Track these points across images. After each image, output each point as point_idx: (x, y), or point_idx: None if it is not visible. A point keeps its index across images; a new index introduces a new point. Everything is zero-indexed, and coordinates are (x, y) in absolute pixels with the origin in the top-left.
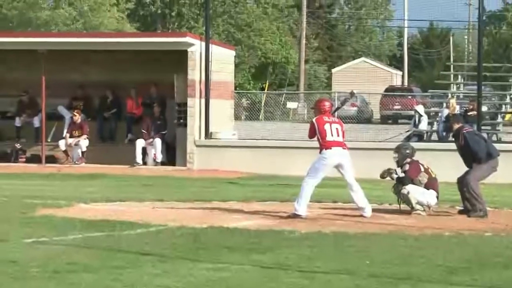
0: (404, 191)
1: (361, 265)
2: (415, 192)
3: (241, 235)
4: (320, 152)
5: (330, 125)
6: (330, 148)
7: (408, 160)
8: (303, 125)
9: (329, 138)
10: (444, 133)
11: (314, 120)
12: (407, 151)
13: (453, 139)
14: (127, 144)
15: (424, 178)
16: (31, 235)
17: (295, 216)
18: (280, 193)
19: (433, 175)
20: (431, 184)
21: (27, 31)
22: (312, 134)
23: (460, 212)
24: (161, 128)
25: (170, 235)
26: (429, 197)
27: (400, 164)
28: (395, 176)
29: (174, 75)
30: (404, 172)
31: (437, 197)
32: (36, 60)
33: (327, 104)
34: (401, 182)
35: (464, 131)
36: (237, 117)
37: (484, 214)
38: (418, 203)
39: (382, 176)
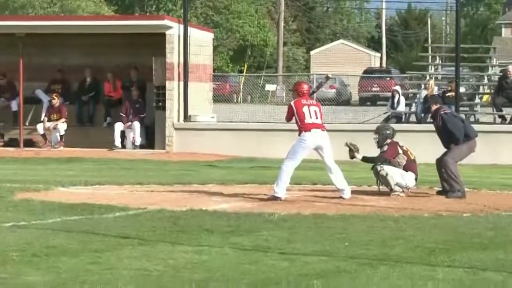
0: (383, 172)
1: (340, 246)
2: (394, 173)
3: (220, 218)
4: (299, 135)
5: (309, 108)
6: (309, 131)
7: (388, 141)
8: (282, 107)
9: (307, 120)
10: (423, 115)
11: (292, 103)
12: (387, 132)
13: (431, 120)
14: (105, 127)
15: (402, 160)
16: (10, 219)
17: (274, 198)
18: (259, 176)
19: (412, 157)
20: (409, 166)
21: (4, 14)
22: (289, 116)
23: (439, 193)
24: (140, 111)
25: (149, 218)
26: (407, 178)
27: (380, 145)
28: (357, 156)
29: (153, 58)
30: (382, 152)
31: (416, 179)
32: (14, 44)
33: (305, 87)
34: (368, 162)
35: (442, 112)
36: (216, 100)
37: (462, 194)
38: (397, 184)
39: (348, 146)
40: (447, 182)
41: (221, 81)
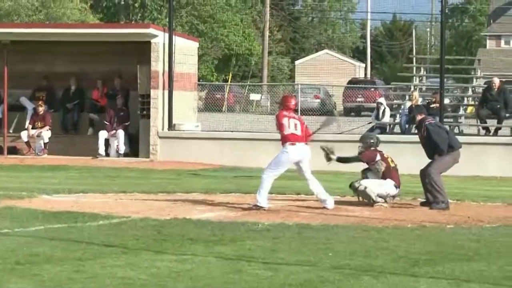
0: (361, 187)
1: (324, 257)
2: (372, 185)
3: (204, 226)
4: (282, 145)
5: (288, 120)
6: (293, 144)
7: (372, 149)
8: (266, 116)
9: (286, 131)
10: (407, 126)
11: (276, 114)
12: (371, 141)
13: (416, 131)
14: (90, 135)
15: (381, 166)
16: None
17: (257, 207)
18: (243, 185)
19: (392, 165)
20: (389, 173)
21: None
22: (277, 127)
23: (422, 204)
24: (124, 120)
25: (133, 227)
26: (387, 187)
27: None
28: (333, 157)
29: (137, 66)
30: (359, 153)
31: (398, 187)
32: None
33: (292, 101)
34: (343, 162)
35: (427, 123)
36: (201, 109)
37: (446, 206)
38: (378, 195)
39: (323, 149)
40: (431, 193)
41: (221, 90)
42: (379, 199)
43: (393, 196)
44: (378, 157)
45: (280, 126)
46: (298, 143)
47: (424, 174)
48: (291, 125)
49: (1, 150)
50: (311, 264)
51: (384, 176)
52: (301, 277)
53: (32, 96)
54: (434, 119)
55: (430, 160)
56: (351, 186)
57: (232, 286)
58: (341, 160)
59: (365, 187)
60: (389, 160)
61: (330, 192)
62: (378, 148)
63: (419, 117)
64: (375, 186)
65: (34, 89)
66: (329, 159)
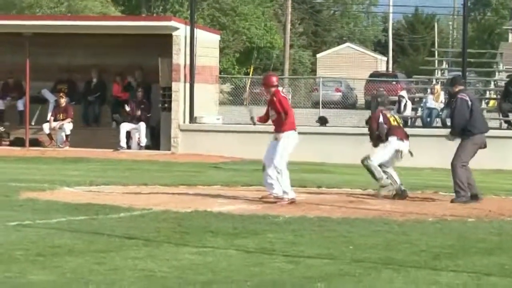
0: (365, 161)
1: (345, 250)
2: (375, 155)
3: (225, 219)
4: (285, 131)
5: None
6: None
7: (380, 108)
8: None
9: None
10: (428, 119)
11: (281, 94)
12: (379, 99)
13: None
14: (112, 128)
15: (382, 130)
16: (15, 218)
17: (282, 200)
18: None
19: (395, 123)
20: (393, 131)
21: (11, 14)
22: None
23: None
24: (145, 111)
25: (154, 219)
26: (391, 146)
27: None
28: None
29: (159, 59)
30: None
31: (403, 140)
32: (20, 43)
33: (274, 79)
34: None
35: (459, 96)
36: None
37: (467, 199)
38: (383, 165)
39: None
40: (454, 186)
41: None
42: (383, 176)
43: (408, 153)
44: (381, 118)
45: (287, 110)
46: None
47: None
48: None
49: (23, 142)
50: (332, 257)
51: (387, 134)
52: (321, 270)
53: (54, 88)
54: (469, 95)
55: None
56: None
57: (253, 279)
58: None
59: (366, 159)
60: (392, 119)
61: (351, 185)
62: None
63: (454, 89)
64: (378, 154)
65: (55, 81)
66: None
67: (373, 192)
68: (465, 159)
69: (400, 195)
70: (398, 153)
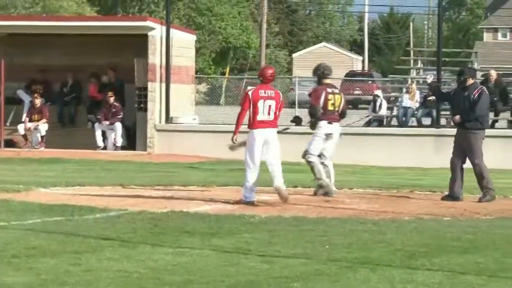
0: (307, 157)
1: (321, 249)
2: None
3: (201, 219)
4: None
5: (264, 101)
6: (257, 129)
7: (324, 82)
8: None
9: (259, 117)
10: (404, 118)
11: (250, 92)
12: (318, 72)
13: (452, 93)
14: (88, 128)
15: (318, 112)
16: None
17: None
18: (240, 178)
19: (331, 108)
20: (324, 115)
21: None
22: (247, 107)
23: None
24: (116, 115)
25: (130, 220)
26: (320, 129)
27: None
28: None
29: (134, 59)
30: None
31: (332, 123)
32: None
33: (270, 71)
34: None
35: (483, 90)
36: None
37: (492, 197)
38: (311, 150)
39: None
40: (481, 185)
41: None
42: (322, 177)
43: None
44: (323, 97)
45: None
46: (262, 128)
47: (459, 166)
48: (265, 108)
49: (7, 142)
50: (308, 257)
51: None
52: (298, 269)
53: (28, 88)
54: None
55: (457, 115)
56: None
57: (229, 279)
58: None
59: (306, 154)
60: (330, 103)
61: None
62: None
63: (471, 80)
64: (313, 142)
65: (29, 81)
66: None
67: (350, 191)
68: (482, 155)
69: (328, 193)
70: (328, 137)
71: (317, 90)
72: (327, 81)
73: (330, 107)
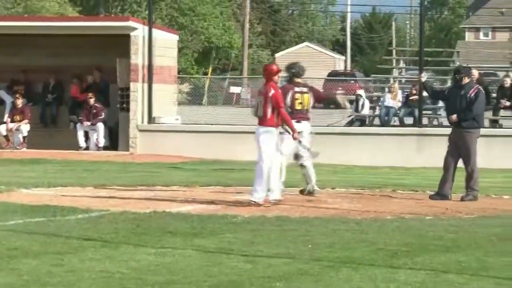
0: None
1: (304, 249)
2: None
3: (184, 220)
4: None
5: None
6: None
7: (296, 80)
8: (247, 109)
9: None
10: (386, 118)
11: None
12: (292, 70)
13: (447, 92)
14: (70, 129)
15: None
16: None
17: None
18: (223, 178)
19: (299, 107)
20: (293, 114)
21: None
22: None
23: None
24: (97, 115)
25: (112, 220)
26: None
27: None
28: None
29: (117, 59)
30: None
31: (300, 121)
32: None
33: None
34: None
35: (479, 89)
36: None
37: (475, 198)
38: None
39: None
40: (469, 185)
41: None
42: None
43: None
44: (289, 96)
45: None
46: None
47: (453, 165)
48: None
49: None
50: (291, 257)
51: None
52: (280, 269)
53: (10, 89)
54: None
55: (454, 115)
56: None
57: (212, 279)
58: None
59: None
60: (297, 102)
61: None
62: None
63: (467, 79)
64: (283, 144)
65: (10, 82)
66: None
67: (332, 190)
68: (476, 156)
69: (311, 193)
70: (299, 135)
71: (284, 88)
72: (298, 80)
73: (298, 106)
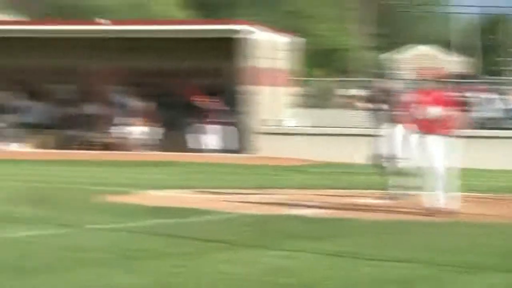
0: None
1: (427, 253)
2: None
3: (305, 222)
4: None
5: None
6: None
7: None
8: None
9: None
10: None
11: None
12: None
13: None
14: (193, 132)
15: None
16: (98, 221)
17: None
18: (341, 181)
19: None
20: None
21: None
22: None
23: None
24: (216, 118)
25: (236, 222)
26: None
27: None
28: None
29: (239, 63)
30: None
31: None
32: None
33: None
34: None
35: None
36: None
37: None
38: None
39: None
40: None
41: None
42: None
43: None
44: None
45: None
46: None
47: None
48: None
49: (106, 145)
50: (414, 261)
51: None
52: (402, 272)
53: (133, 93)
54: None
55: None
56: None
57: (333, 282)
58: None
59: None
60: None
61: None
62: None
63: None
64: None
65: (134, 85)
66: None
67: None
68: None
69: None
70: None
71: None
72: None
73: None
